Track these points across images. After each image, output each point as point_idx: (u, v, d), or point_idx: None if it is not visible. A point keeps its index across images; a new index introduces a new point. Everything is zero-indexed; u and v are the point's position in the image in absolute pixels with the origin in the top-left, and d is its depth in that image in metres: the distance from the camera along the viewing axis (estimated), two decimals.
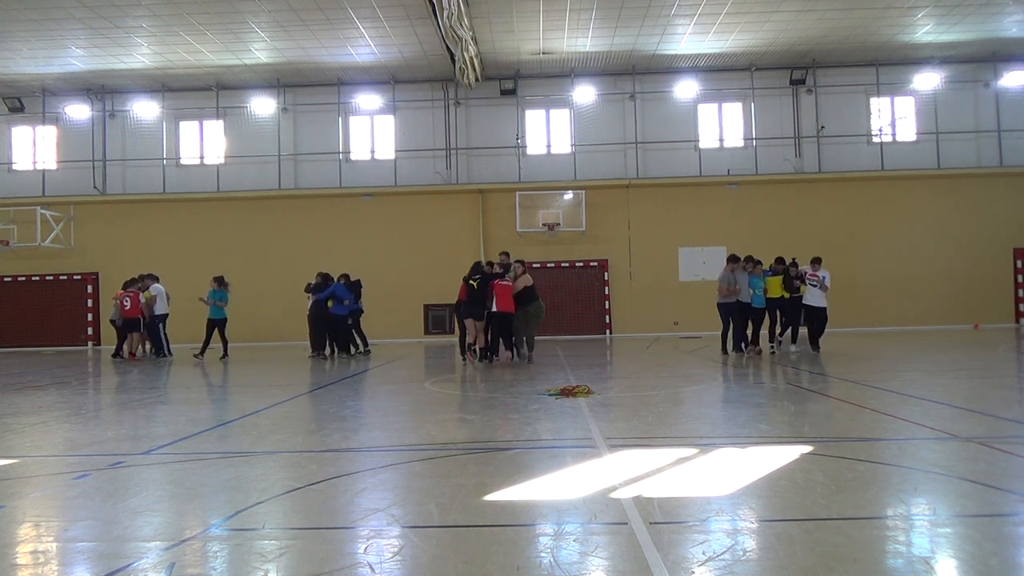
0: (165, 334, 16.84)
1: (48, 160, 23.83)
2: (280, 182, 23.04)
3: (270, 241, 22.77)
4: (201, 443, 6.33)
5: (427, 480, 4.83)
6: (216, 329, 16.31)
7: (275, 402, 9.03)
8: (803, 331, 14.91)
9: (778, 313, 14.68)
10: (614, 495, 4.23)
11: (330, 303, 15.65)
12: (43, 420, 7.93)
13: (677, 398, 8.60)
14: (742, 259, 14.31)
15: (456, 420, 7.36)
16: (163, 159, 23.40)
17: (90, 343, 22.90)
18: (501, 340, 13.46)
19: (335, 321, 15.83)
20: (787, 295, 14.34)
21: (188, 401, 9.96)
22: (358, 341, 16.48)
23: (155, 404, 9.51)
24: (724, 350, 14.20)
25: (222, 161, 23.47)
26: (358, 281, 16.46)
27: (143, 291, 16.71)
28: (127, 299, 16.68)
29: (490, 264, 14.06)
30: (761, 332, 14.52)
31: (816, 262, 14.42)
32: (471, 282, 13.04)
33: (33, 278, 23.18)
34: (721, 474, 4.74)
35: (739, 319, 14.08)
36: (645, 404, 7.93)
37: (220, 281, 16.42)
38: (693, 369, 12.01)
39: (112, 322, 17.30)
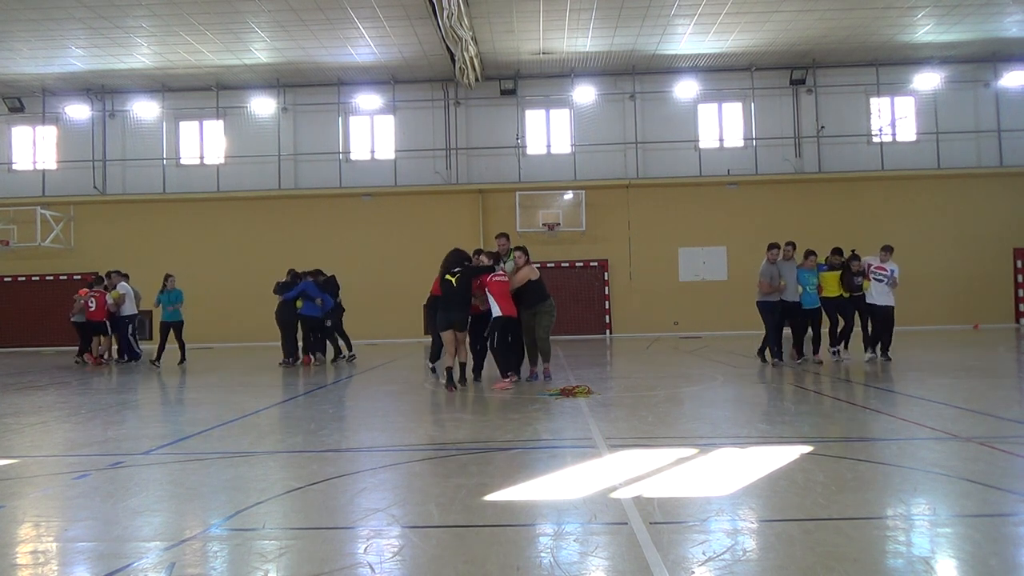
0: (135, 336, 15.84)
1: (48, 160, 23.83)
2: (280, 182, 23.03)
3: (270, 241, 22.73)
4: (201, 443, 6.33)
5: (427, 480, 4.83)
6: (173, 331, 15.09)
7: (274, 402, 9.04)
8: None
9: (837, 315, 12.31)
10: (614, 495, 4.23)
11: (299, 303, 14.02)
12: (43, 420, 7.93)
13: (677, 398, 8.58)
14: (783, 245, 11.91)
15: (456, 420, 7.36)
16: (163, 159, 23.40)
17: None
18: (497, 356, 9.88)
19: (309, 324, 14.18)
20: (846, 294, 12.16)
21: (187, 401, 9.97)
22: (340, 345, 14.98)
23: (154, 404, 9.52)
24: (762, 356, 12.15)
25: (222, 161, 23.47)
26: (332, 278, 14.87)
27: (110, 290, 15.53)
28: (92, 299, 15.44)
29: (478, 252, 10.45)
30: (798, 336, 12.37)
31: (887, 250, 12.02)
32: (448, 277, 9.52)
33: (33, 278, 23.17)
34: (721, 474, 4.74)
35: (782, 322, 11.78)
36: (645, 404, 7.93)
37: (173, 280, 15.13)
38: (693, 369, 11.99)
39: (73, 322, 16.11)
